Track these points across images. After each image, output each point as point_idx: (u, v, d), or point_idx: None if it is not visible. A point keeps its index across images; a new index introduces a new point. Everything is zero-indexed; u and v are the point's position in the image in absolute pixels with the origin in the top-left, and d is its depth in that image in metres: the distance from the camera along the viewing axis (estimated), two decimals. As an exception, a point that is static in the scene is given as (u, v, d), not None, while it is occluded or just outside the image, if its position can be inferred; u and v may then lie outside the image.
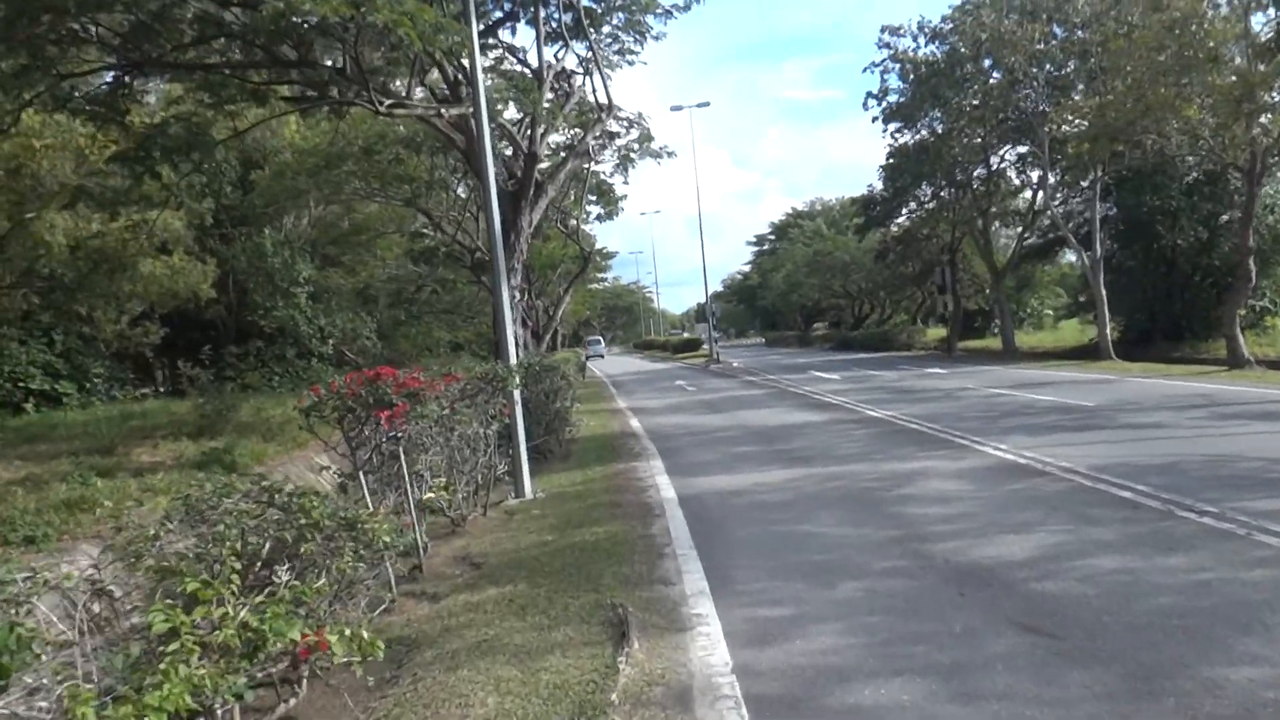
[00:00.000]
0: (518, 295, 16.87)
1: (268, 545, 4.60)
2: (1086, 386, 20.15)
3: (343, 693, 4.97)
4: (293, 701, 4.82)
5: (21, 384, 22.28)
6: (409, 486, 7.75)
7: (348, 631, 4.17)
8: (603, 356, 78.09)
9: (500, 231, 11.63)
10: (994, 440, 12.47)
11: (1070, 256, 46.50)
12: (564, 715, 4.46)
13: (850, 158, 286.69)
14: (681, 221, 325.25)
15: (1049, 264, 45.17)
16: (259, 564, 4.68)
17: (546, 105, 16.05)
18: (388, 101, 12.80)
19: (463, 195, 25.35)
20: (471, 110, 12.41)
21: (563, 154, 19.20)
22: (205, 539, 4.58)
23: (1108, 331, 29.57)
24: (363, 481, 7.00)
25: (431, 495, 8.10)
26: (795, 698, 4.55)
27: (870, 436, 14.23)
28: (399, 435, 7.42)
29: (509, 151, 17.22)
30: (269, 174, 24.67)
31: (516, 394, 11.39)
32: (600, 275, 68.98)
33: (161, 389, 30.33)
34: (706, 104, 51.95)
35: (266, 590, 4.37)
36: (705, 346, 56.75)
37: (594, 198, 32.89)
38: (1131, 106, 21.65)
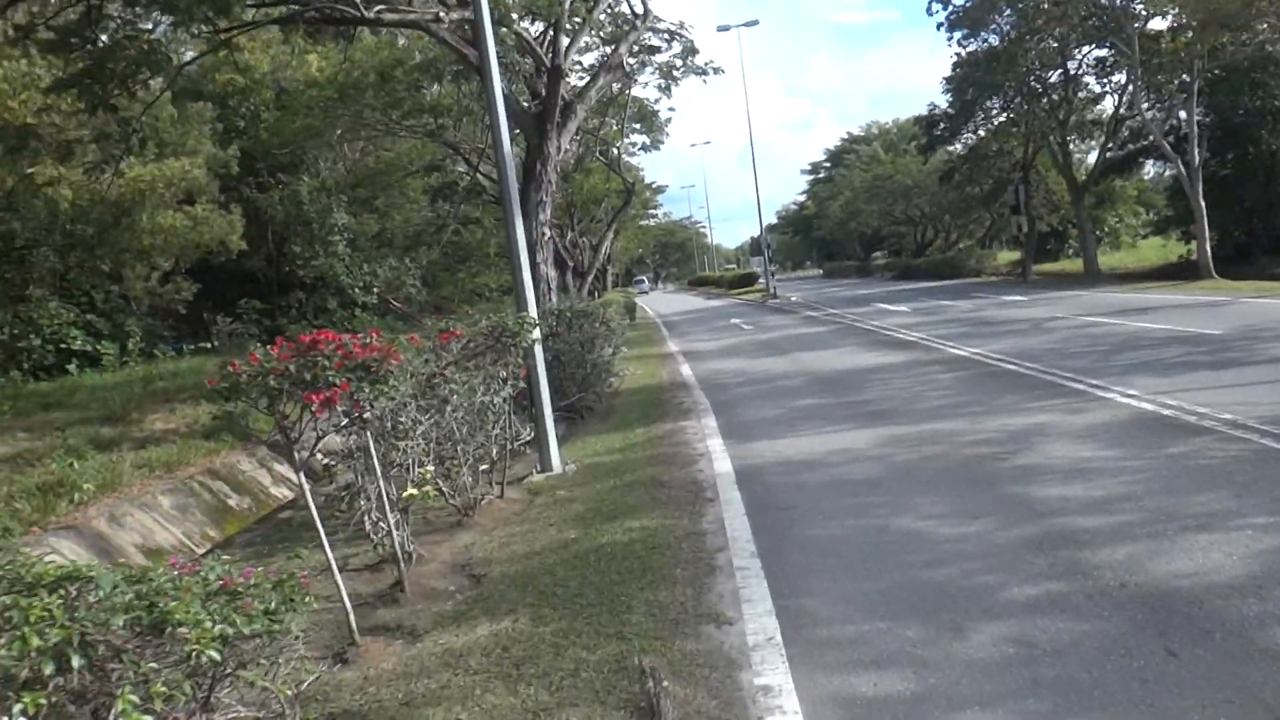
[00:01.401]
0: (547, 232, 14.92)
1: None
2: (1199, 310, 17.66)
3: None
4: None
5: (64, 345, 21.34)
6: (382, 485, 5.92)
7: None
8: (647, 293, 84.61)
9: (509, 155, 9.63)
10: (1116, 383, 10.27)
11: (1151, 170, 43.02)
12: None
13: (902, 82, 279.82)
14: (732, 154, 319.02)
15: (1130, 178, 41.65)
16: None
17: (570, 9, 13.87)
18: (377, 6, 10.79)
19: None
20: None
21: (595, 71, 17.01)
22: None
23: (1208, 248, 26.66)
24: (305, 491, 5.18)
25: (414, 492, 6.27)
26: None
27: (960, 382, 12.09)
28: (360, 420, 5.59)
29: (531, 66, 15.15)
30: (280, 111, 22.84)
31: (538, 350, 9.49)
32: (651, 211, 66.56)
33: (214, 344, 29.23)
34: (755, 23, 48.85)
35: None
36: (761, 281, 54.32)
37: (637, 125, 30.64)
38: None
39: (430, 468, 6.69)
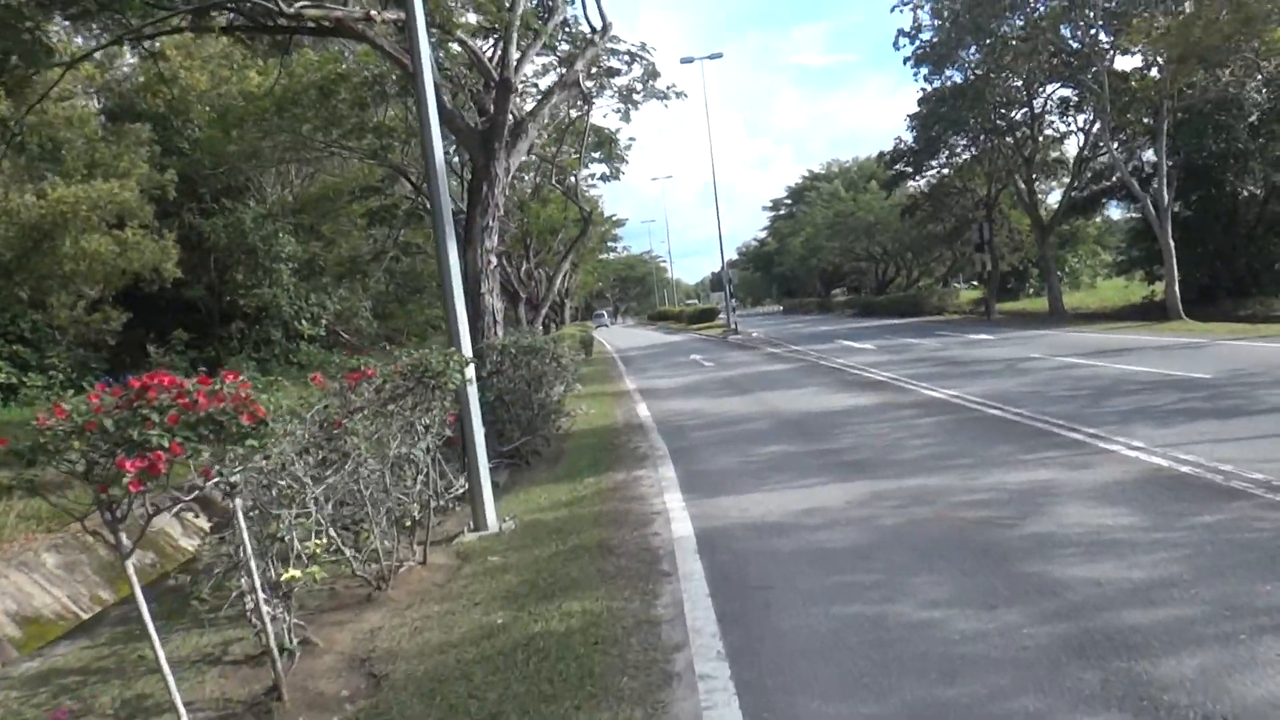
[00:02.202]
0: (493, 260, 13.74)
1: None
2: (1178, 353, 16.89)
3: None
4: None
5: (-16, 378, 19.86)
6: (253, 570, 4.68)
7: None
8: (607, 327, 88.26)
9: (440, 164, 8.46)
10: (1116, 432, 9.29)
11: (1114, 211, 42.93)
12: None
13: (861, 124, 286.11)
14: (693, 191, 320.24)
15: (1092, 219, 41.41)
16: None
17: (521, 19, 12.79)
18: (300, 2, 9.62)
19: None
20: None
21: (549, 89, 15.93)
22: None
23: (1176, 289, 26.15)
24: (134, 585, 3.93)
25: (295, 574, 5.01)
26: None
27: (942, 429, 11.05)
28: (225, 487, 4.36)
29: (480, 83, 14.06)
30: (213, 127, 21.52)
31: (471, 392, 8.29)
32: (610, 245, 65.61)
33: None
34: (719, 55, 48.32)
35: None
36: (722, 316, 53.48)
37: (596, 155, 29.68)
38: (1229, 18, 18.14)
39: (322, 540, 5.44)
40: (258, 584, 4.80)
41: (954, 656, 4.31)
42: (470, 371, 8.19)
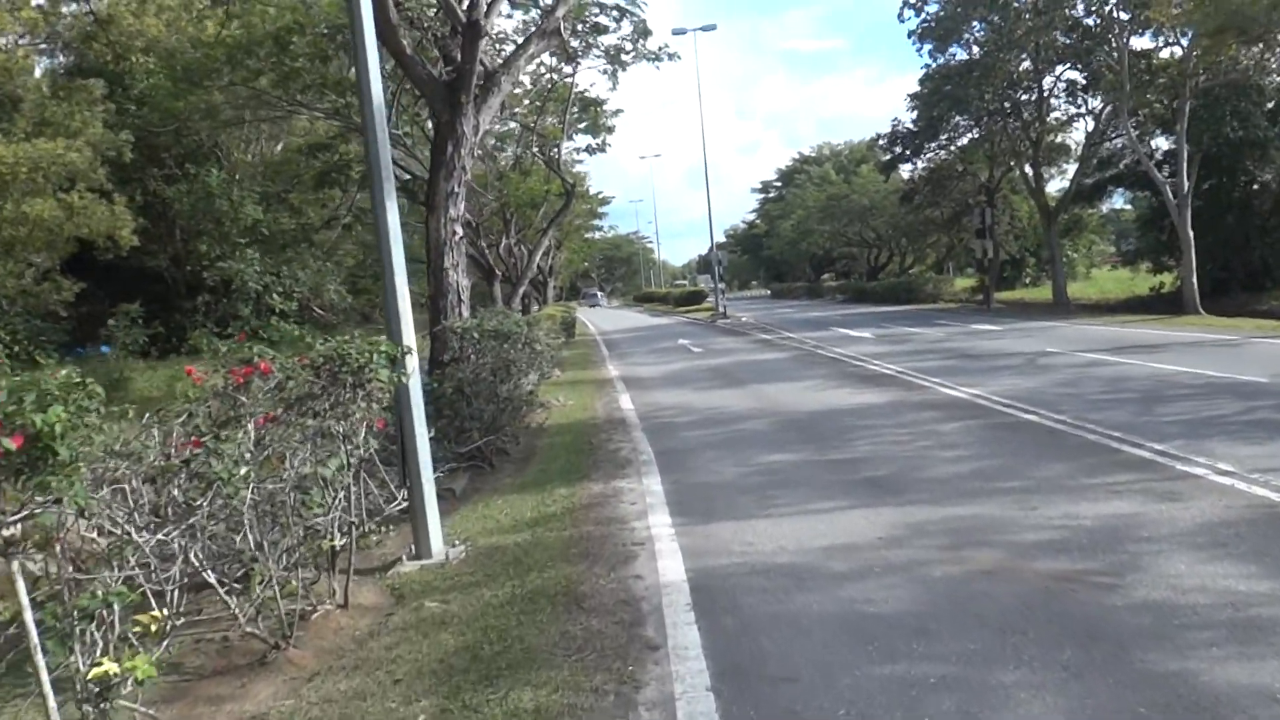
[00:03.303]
0: (458, 231, 12.09)
1: None
2: (1212, 350, 15.47)
3: None
4: None
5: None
6: (41, 665, 3.08)
7: None
8: (601, 306, 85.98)
9: (378, 105, 6.79)
10: (1190, 450, 7.76)
11: (1119, 201, 41.43)
12: None
13: (848, 110, 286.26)
14: (681, 172, 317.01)
15: (1097, 207, 39.85)
16: None
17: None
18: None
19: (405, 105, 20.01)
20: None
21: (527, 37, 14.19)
22: None
23: (1194, 281, 24.71)
24: None
25: (110, 668, 3.39)
26: None
27: (972, 436, 9.51)
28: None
29: (447, 29, 12.36)
30: (160, 76, 19.69)
31: (413, 388, 6.67)
32: (597, 224, 63.68)
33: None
34: (712, 27, 46.25)
35: None
36: (710, 299, 51.87)
37: (581, 125, 27.95)
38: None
39: (164, 611, 3.83)
40: (46, 685, 3.21)
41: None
42: (413, 363, 6.58)
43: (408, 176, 20.62)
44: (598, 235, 73.78)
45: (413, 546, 6.84)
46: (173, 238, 30.82)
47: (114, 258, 26.40)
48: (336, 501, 5.41)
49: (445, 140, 11.99)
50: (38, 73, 26.78)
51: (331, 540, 5.49)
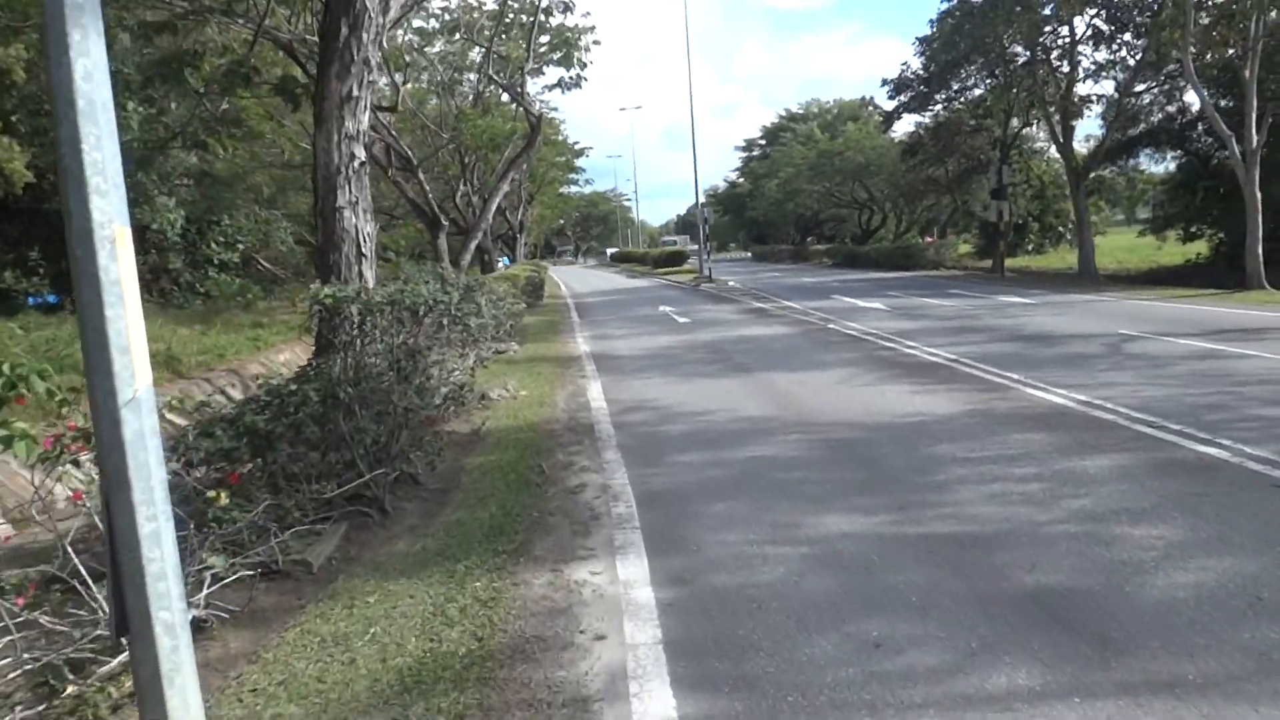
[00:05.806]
0: (359, 154, 8.34)
1: None
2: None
3: None
4: None
5: None
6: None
7: None
8: (573, 263, 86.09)
9: None
10: None
11: (1142, 162, 37.80)
12: None
13: (829, 70, 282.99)
14: (658, 131, 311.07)
15: (1124, 168, 36.22)
16: None
17: None
18: None
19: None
20: None
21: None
22: None
23: (1260, 251, 21.31)
24: None
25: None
26: None
27: (1150, 492, 5.96)
28: None
29: None
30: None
31: (152, 449, 2.96)
32: (573, 178, 59.33)
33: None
34: (700, -36, 42.22)
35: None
36: (692, 261, 48.08)
37: (556, 56, 24.05)
38: None
39: None
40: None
41: None
42: (147, 394, 2.88)
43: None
44: (573, 190, 69.46)
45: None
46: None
47: (6, 197, 22.18)
48: None
49: (338, 21, 8.24)
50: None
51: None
